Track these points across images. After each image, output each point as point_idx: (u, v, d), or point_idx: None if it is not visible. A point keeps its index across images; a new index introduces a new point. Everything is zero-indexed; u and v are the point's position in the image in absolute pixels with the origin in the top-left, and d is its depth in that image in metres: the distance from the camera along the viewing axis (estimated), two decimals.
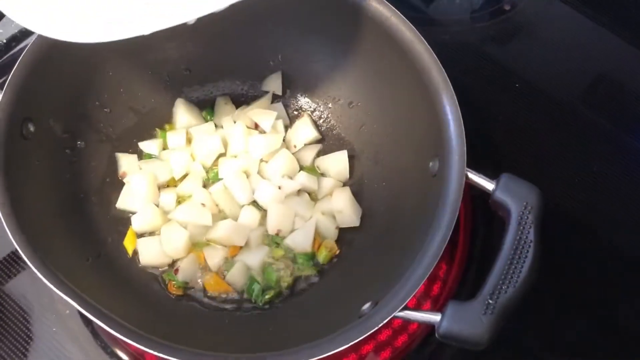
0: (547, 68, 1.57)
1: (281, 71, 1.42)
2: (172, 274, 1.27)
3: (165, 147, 1.38)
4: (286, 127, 1.41)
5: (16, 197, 1.05)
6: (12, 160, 1.08)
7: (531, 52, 1.60)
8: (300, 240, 1.29)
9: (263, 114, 1.39)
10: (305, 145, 1.39)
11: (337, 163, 1.36)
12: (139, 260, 1.27)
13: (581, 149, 1.49)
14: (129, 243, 1.28)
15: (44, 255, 1.02)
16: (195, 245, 1.30)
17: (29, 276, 1.28)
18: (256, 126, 1.39)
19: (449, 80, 1.14)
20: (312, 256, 1.30)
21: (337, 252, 1.31)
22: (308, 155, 1.39)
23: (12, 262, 1.30)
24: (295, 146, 1.39)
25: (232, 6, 1.00)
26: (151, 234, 1.30)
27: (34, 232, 1.04)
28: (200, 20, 0.99)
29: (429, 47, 1.17)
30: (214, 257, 1.28)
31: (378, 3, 1.21)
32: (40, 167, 1.16)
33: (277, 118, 1.39)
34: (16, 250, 1.01)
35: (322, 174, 1.38)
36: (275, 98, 1.43)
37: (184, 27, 1.01)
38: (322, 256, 1.30)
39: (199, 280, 1.28)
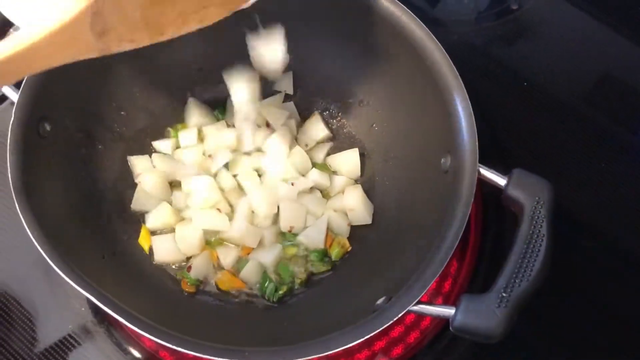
0: (554, 67, 1.58)
1: (292, 71, 1.42)
2: (186, 271, 1.28)
3: (178, 147, 1.38)
4: (297, 126, 1.42)
5: (34, 195, 1.06)
6: (29, 158, 1.09)
7: (538, 52, 1.61)
8: (313, 237, 1.30)
9: (275, 112, 1.40)
10: (317, 143, 1.40)
11: (349, 161, 1.37)
12: (153, 257, 1.29)
13: (589, 147, 1.50)
14: (144, 241, 1.29)
15: (62, 252, 1.03)
16: (209, 243, 1.30)
17: (44, 273, 1.29)
18: (267, 125, 1.40)
19: (459, 77, 1.15)
20: (324, 253, 1.30)
21: (350, 248, 1.31)
22: (319, 154, 1.40)
23: (26, 260, 1.31)
24: (307, 144, 1.39)
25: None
26: (165, 231, 1.31)
27: (52, 230, 1.05)
28: None
29: (439, 44, 1.18)
30: (227, 257, 1.29)
31: (389, 2, 1.22)
32: (56, 165, 1.17)
33: (289, 117, 1.40)
34: (32, 247, 1.01)
35: (334, 172, 1.38)
36: (286, 97, 1.44)
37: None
38: (334, 252, 1.30)
39: (212, 279, 1.29)
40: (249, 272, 1.28)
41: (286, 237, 1.31)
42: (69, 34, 0.83)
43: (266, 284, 1.27)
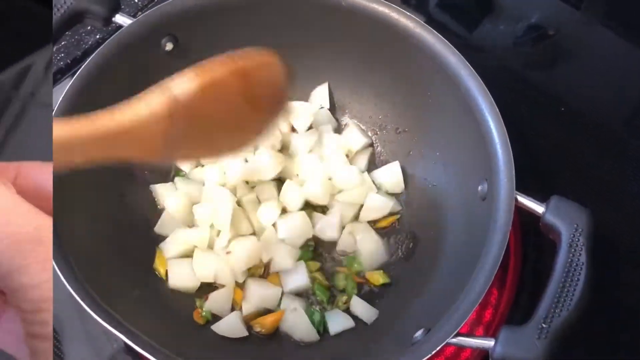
0: (592, 92, 1.56)
1: (327, 82, 1.42)
2: (203, 301, 1.24)
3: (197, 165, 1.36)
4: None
5: (64, 231, 1.05)
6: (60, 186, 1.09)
7: (576, 77, 1.59)
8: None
9: (299, 113, 1.38)
10: (355, 153, 1.38)
11: (392, 175, 1.36)
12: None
13: (628, 174, 1.47)
14: (160, 266, 1.26)
15: (94, 290, 1.02)
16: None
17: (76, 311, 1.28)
18: (293, 129, 1.38)
19: (495, 103, 1.14)
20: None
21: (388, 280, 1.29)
22: (361, 161, 1.38)
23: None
24: (347, 155, 1.37)
25: None
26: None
27: (83, 267, 1.05)
28: None
29: (474, 71, 1.17)
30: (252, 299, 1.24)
31: (423, 30, 1.22)
32: (87, 194, 1.18)
33: (325, 123, 1.40)
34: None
35: (378, 187, 1.36)
36: None
37: None
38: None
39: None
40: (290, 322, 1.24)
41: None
42: (145, 127, 0.79)
43: (313, 317, 1.23)
